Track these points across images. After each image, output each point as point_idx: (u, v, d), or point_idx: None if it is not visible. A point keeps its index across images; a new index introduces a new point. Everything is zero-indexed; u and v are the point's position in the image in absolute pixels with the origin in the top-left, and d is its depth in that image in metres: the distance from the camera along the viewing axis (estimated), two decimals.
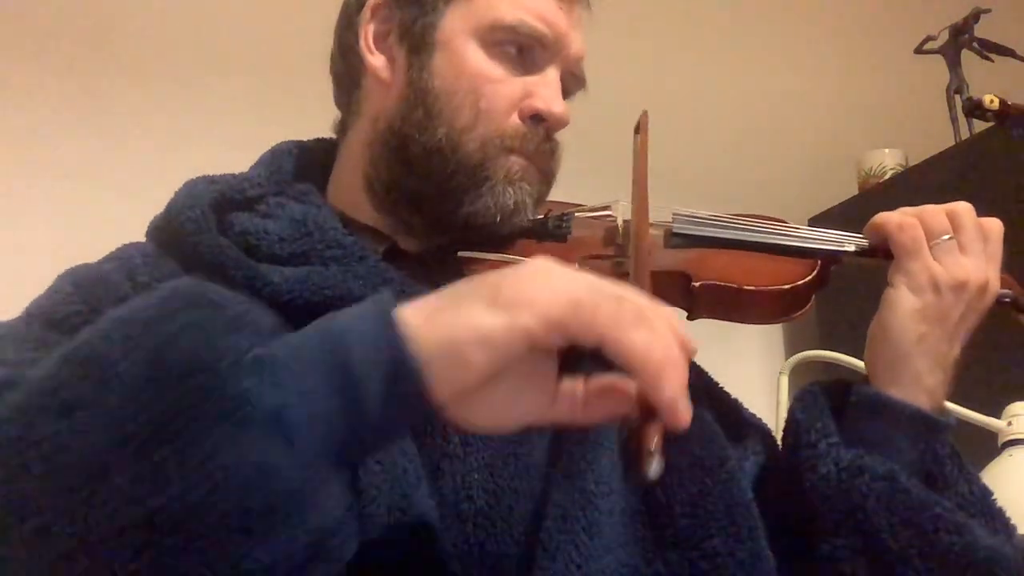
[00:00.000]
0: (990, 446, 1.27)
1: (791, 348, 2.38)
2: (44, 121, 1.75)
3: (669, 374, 0.53)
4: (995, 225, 0.83)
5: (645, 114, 0.89)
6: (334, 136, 0.95)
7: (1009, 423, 1.27)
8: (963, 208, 0.83)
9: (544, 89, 0.84)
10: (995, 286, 0.82)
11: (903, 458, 0.79)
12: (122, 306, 0.54)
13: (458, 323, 0.52)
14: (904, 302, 0.81)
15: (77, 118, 1.78)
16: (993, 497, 0.82)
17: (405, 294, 0.60)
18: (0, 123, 1.71)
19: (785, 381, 1.61)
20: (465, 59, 0.84)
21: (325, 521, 0.50)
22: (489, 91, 0.83)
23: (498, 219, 0.82)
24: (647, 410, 0.54)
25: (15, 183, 1.68)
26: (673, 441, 0.69)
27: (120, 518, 0.47)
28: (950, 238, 0.81)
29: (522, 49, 0.85)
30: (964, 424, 1.28)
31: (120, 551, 0.47)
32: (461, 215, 0.83)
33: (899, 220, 0.82)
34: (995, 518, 0.80)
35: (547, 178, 0.87)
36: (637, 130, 0.89)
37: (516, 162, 0.83)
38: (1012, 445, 1.25)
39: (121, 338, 0.51)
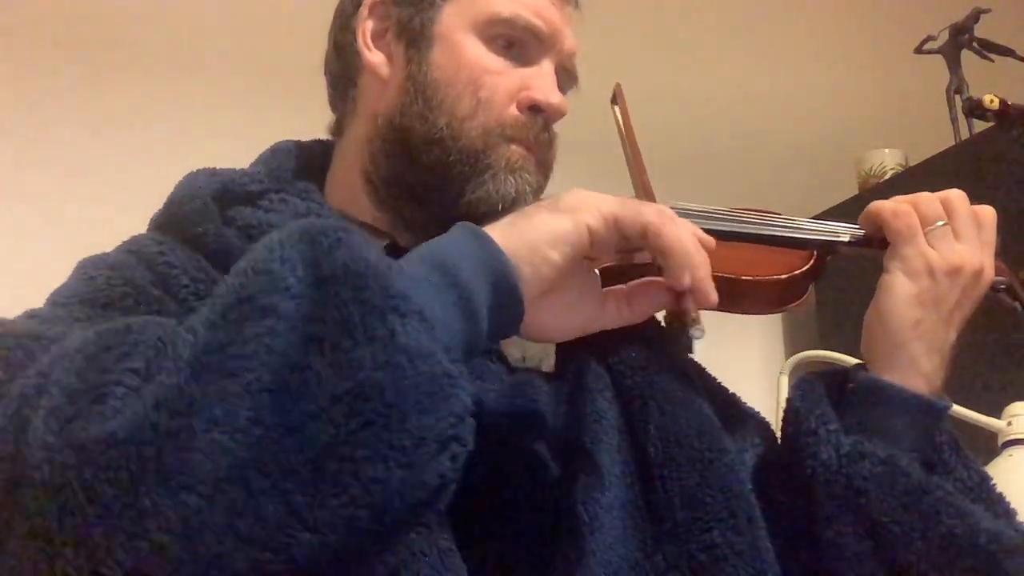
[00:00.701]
0: (990, 446, 1.27)
1: (791, 348, 2.39)
2: (44, 119, 1.75)
3: (698, 259, 0.66)
4: (988, 212, 0.84)
5: (618, 85, 0.92)
6: (330, 138, 0.95)
7: (1009, 423, 1.28)
8: (956, 195, 0.83)
9: (541, 81, 0.85)
10: (989, 272, 0.83)
11: (902, 443, 0.79)
12: (255, 246, 0.58)
13: (534, 230, 0.63)
14: (900, 287, 0.81)
15: (77, 116, 1.78)
16: (992, 482, 0.82)
17: None
18: (1, 123, 1.72)
19: (785, 381, 1.61)
20: (464, 51, 0.85)
21: (464, 402, 0.55)
22: (488, 81, 0.84)
23: (500, 207, 0.82)
24: (680, 297, 0.67)
25: (15, 181, 1.68)
26: (672, 439, 0.74)
27: (325, 398, 0.51)
28: (944, 224, 0.81)
29: (517, 43, 0.86)
30: (964, 424, 1.28)
31: (327, 426, 0.51)
32: (463, 204, 0.83)
33: (893, 207, 0.83)
34: (995, 502, 0.80)
35: (545, 169, 0.88)
36: (614, 100, 0.90)
37: (516, 151, 0.84)
38: (1012, 445, 1.26)
39: (278, 259, 0.55)
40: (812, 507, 0.78)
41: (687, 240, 0.66)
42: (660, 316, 0.79)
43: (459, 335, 0.58)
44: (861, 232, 0.86)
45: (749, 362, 2.31)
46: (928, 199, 0.83)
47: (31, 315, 0.69)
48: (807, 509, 0.79)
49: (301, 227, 0.59)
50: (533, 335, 0.67)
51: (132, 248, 0.78)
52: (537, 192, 0.87)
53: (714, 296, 0.66)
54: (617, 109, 0.89)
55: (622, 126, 0.88)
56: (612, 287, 0.69)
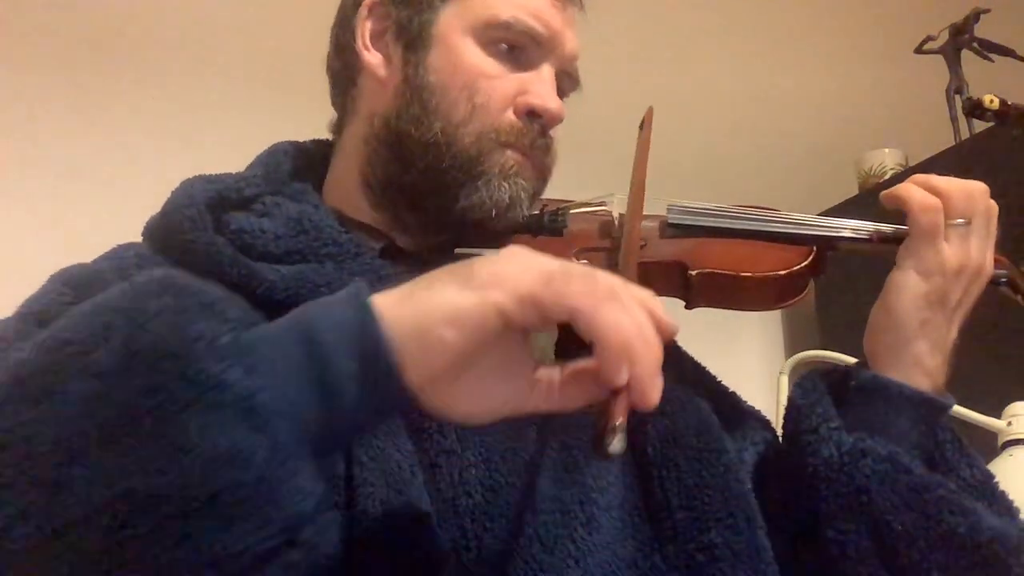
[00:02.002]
0: (990, 446, 1.27)
1: (791, 348, 2.38)
2: (44, 121, 1.75)
3: (638, 350, 0.53)
4: (994, 207, 0.84)
5: (650, 110, 0.89)
6: (330, 136, 0.95)
7: (1009, 423, 1.27)
8: (979, 191, 0.82)
9: (539, 86, 0.85)
10: (989, 268, 0.82)
11: (905, 441, 0.79)
12: (98, 295, 0.54)
13: (430, 304, 0.53)
14: (911, 286, 0.80)
15: (77, 118, 1.78)
16: (995, 480, 0.82)
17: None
18: (0, 123, 1.71)
19: (785, 381, 1.61)
20: (461, 55, 0.84)
21: (298, 509, 0.50)
22: (485, 86, 0.83)
23: (493, 214, 0.82)
24: (616, 389, 0.54)
25: (14, 183, 1.68)
26: (670, 439, 0.68)
27: (91, 502, 0.47)
28: (966, 223, 0.81)
29: (517, 47, 0.85)
30: (964, 424, 1.28)
31: (92, 534, 0.47)
32: (457, 210, 0.83)
33: (923, 201, 0.81)
34: (998, 500, 0.80)
35: (543, 174, 0.88)
36: (642, 126, 0.89)
37: (511, 157, 0.83)
38: (1012, 445, 1.26)
39: (95, 325, 0.51)
40: (813, 505, 0.78)
41: (627, 328, 0.53)
42: None
43: (313, 412, 0.51)
44: (862, 231, 0.86)
45: (749, 362, 2.31)
46: (961, 195, 0.81)
47: None
48: (808, 508, 0.78)
49: (154, 279, 0.54)
50: (447, 417, 0.56)
51: (114, 257, 0.78)
52: (534, 197, 0.87)
53: (654, 398, 0.54)
54: (641, 135, 0.88)
55: (639, 151, 0.87)
56: (548, 368, 0.58)
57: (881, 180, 2.20)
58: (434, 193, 0.84)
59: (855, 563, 0.76)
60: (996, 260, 0.84)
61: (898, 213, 0.83)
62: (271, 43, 1.93)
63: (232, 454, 0.48)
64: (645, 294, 0.56)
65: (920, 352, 0.80)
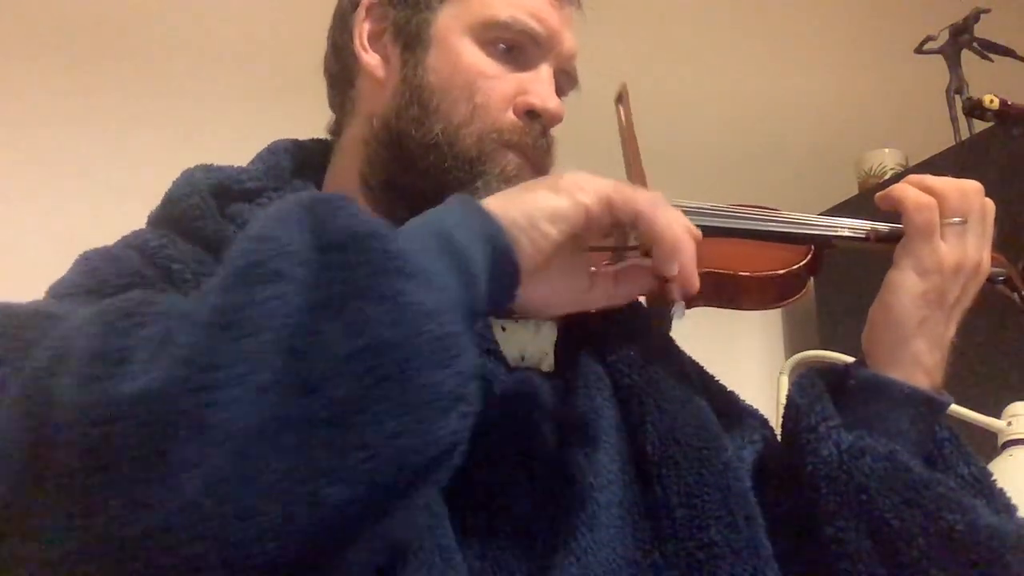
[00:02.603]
0: (990, 446, 1.27)
1: (791, 348, 2.38)
2: (44, 120, 1.75)
3: (686, 245, 0.67)
4: (991, 205, 0.84)
5: (624, 85, 0.91)
6: (328, 138, 0.95)
7: (1009, 423, 1.27)
8: (974, 189, 0.83)
9: (538, 85, 0.85)
10: (986, 265, 0.83)
11: (904, 439, 0.79)
12: (268, 209, 0.60)
13: (533, 205, 0.65)
14: (909, 285, 0.80)
15: (77, 117, 1.78)
16: (993, 478, 0.82)
17: None
18: (0, 123, 1.71)
19: (785, 381, 1.61)
20: (460, 55, 0.84)
21: (473, 362, 0.57)
22: (485, 86, 0.83)
23: None
24: (665, 283, 0.68)
25: (15, 182, 1.68)
26: (670, 438, 0.76)
27: (339, 357, 0.52)
28: (962, 221, 0.81)
29: (515, 47, 0.85)
30: (964, 424, 1.28)
31: (343, 384, 0.52)
32: None
33: (917, 200, 0.81)
34: (995, 497, 0.80)
35: (542, 175, 0.87)
36: (619, 100, 0.90)
37: (512, 160, 0.83)
38: (1012, 445, 1.25)
39: (282, 225, 0.57)
40: (813, 504, 0.78)
41: (677, 228, 0.67)
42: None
43: (459, 299, 0.58)
44: (859, 229, 0.86)
45: (749, 362, 2.31)
46: (955, 193, 0.82)
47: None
48: (808, 506, 0.78)
49: (300, 197, 0.60)
50: (525, 309, 0.69)
51: (132, 243, 0.77)
52: None
53: (697, 284, 0.68)
54: (621, 109, 0.89)
55: (624, 126, 0.88)
56: (600, 268, 0.71)
57: (881, 180, 2.20)
58: (433, 193, 0.83)
59: (854, 561, 0.76)
60: (993, 258, 0.84)
61: (894, 214, 0.83)
62: (272, 42, 1.93)
63: (431, 311, 0.55)
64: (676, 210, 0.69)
65: (919, 350, 0.81)
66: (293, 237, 0.56)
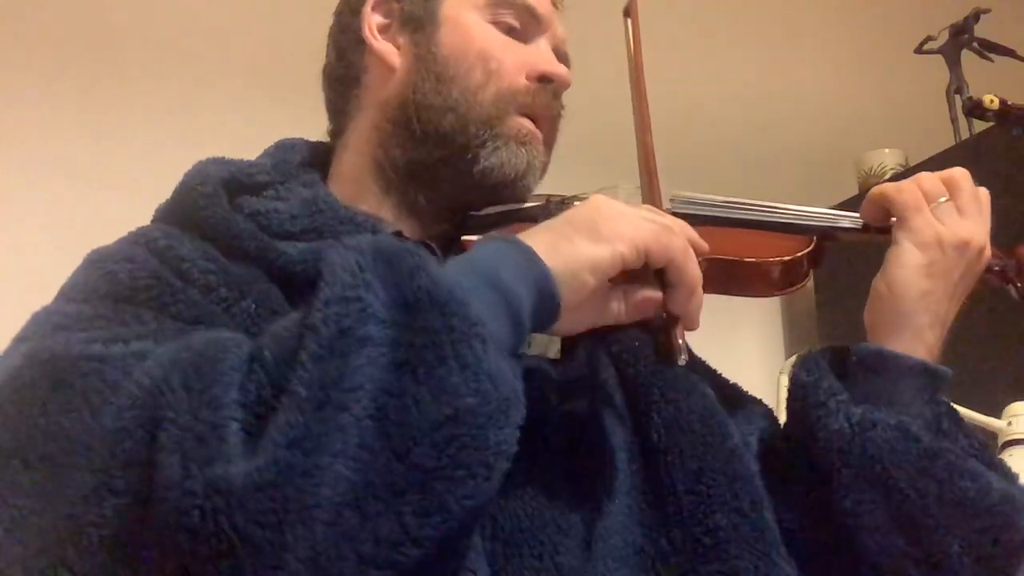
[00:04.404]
0: (990, 446, 1.27)
1: (791, 348, 2.39)
2: (44, 121, 1.75)
3: (699, 293, 0.71)
4: (985, 193, 0.85)
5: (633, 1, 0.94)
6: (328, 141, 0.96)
7: (1009, 423, 1.27)
8: (959, 172, 0.84)
9: (545, 55, 0.89)
10: (988, 249, 0.84)
11: (910, 409, 0.79)
12: (328, 266, 0.61)
13: (576, 256, 0.67)
14: (910, 257, 0.81)
15: (77, 118, 1.78)
16: (989, 447, 0.84)
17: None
18: (0, 123, 1.72)
19: (785, 381, 1.60)
20: (470, 28, 0.88)
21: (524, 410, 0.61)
22: (498, 54, 0.87)
23: (512, 176, 0.85)
24: (671, 315, 0.72)
25: (15, 183, 1.68)
26: (675, 425, 0.79)
27: (425, 424, 0.55)
28: (947, 200, 0.82)
29: (516, 26, 0.89)
30: None
31: (428, 452, 0.55)
32: (476, 172, 0.84)
33: (896, 185, 0.84)
34: (997, 465, 0.81)
35: (549, 146, 0.91)
36: (627, 13, 0.92)
37: (526, 123, 0.86)
38: (1012, 445, 1.26)
39: (362, 284, 0.58)
40: (827, 480, 0.78)
41: (696, 277, 0.71)
42: None
43: (511, 346, 0.63)
44: (860, 220, 0.88)
45: (749, 362, 2.31)
46: (929, 177, 0.84)
47: (52, 319, 0.68)
48: (822, 483, 0.79)
49: (375, 247, 0.62)
50: (556, 330, 0.72)
51: (140, 240, 0.77)
52: (543, 169, 0.89)
53: (698, 326, 0.73)
54: (629, 23, 0.92)
55: (631, 42, 0.91)
56: (613, 287, 0.72)
57: (881, 180, 2.20)
58: (454, 158, 0.85)
59: (871, 531, 0.76)
60: (992, 252, 0.85)
61: (879, 210, 0.85)
62: (272, 44, 1.93)
63: (503, 373, 0.59)
64: (689, 230, 0.73)
65: (921, 324, 0.81)
66: (377, 295, 0.58)
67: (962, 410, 1.26)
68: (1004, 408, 1.30)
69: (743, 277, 0.87)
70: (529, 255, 0.66)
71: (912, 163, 2.20)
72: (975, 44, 2.09)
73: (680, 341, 0.72)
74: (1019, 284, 0.90)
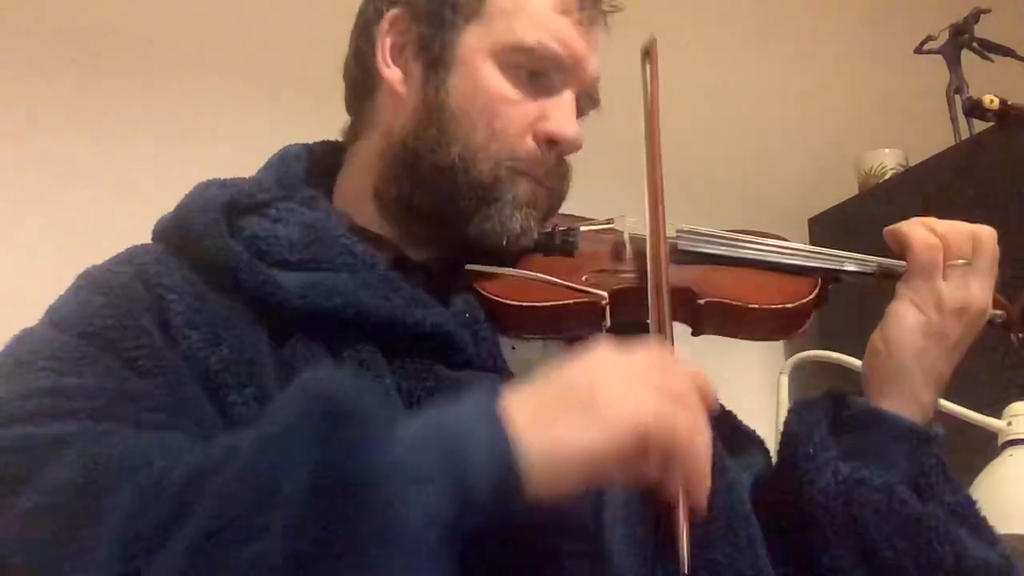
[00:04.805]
0: (990, 446, 1.27)
1: (791, 348, 2.38)
2: (44, 121, 1.75)
3: (706, 477, 0.62)
4: (997, 250, 0.85)
5: (653, 40, 0.90)
6: (340, 139, 0.95)
7: (1009, 423, 1.27)
8: (987, 235, 0.84)
9: (559, 112, 0.84)
10: (990, 308, 0.85)
11: (897, 470, 0.80)
12: (266, 418, 0.57)
13: (561, 442, 0.58)
14: (908, 317, 0.82)
15: (77, 118, 1.77)
16: (978, 506, 0.84)
17: (414, 303, 0.74)
18: (0, 123, 1.71)
19: (785, 381, 1.61)
20: (482, 79, 0.83)
21: None
22: (504, 112, 0.83)
23: (504, 242, 0.83)
24: (672, 499, 0.63)
25: (15, 183, 1.68)
26: None
27: None
28: (966, 263, 0.82)
29: (539, 71, 0.85)
30: (964, 424, 1.28)
31: None
32: (468, 235, 0.83)
33: (924, 239, 0.83)
34: (980, 526, 0.82)
35: (557, 201, 0.89)
36: (646, 56, 0.89)
37: (525, 187, 0.84)
38: (1012, 445, 1.25)
39: (282, 457, 0.54)
40: (809, 532, 0.79)
41: (704, 462, 0.62)
42: None
43: (449, 529, 0.56)
44: (866, 265, 0.88)
45: (749, 362, 2.30)
46: (961, 236, 0.83)
47: (22, 349, 0.70)
48: (804, 533, 0.80)
49: (323, 408, 0.56)
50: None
51: (134, 260, 0.77)
52: (543, 221, 0.87)
53: (704, 504, 0.63)
54: (648, 67, 0.89)
55: (648, 89, 0.87)
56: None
57: (881, 180, 2.20)
58: (445, 216, 0.84)
59: None
60: (994, 300, 0.86)
61: (900, 250, 0.85)
62: (274, 43, 1.93)
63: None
64: (699, 379, 0.64)
65: (915, 383, 0.82)
66: (290, 474, 0.53)
67: (962, 410, 1.26)
68: (1004, 408, 1.30)
69: (747, 322, 0.87)
70: (502, 441, 0.57)
71: (912, 163, 2.20)
72: (975, 44, 2.09)
73: (684, 549, 0.63)
74: (1021, 335, 0.90)
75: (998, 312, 0.88)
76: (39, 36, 1.79)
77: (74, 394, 0.64)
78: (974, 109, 1.74)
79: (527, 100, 0.84)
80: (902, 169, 2.20)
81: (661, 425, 0.59)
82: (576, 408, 0.59)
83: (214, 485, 0.54)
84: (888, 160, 2.23)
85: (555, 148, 0.85)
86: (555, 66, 0.85)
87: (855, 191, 2.26)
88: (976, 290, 0.82)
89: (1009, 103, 1.68)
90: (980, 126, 1.95)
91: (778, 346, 2.48)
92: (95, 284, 0.75)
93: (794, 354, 1.64)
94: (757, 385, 1.82)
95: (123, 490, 0.56)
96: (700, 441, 0.61)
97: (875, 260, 0.87)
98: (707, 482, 0.62)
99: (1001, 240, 0.86)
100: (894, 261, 0.86)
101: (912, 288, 0.83)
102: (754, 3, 2.47)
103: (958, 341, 0.83)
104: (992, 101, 1.66)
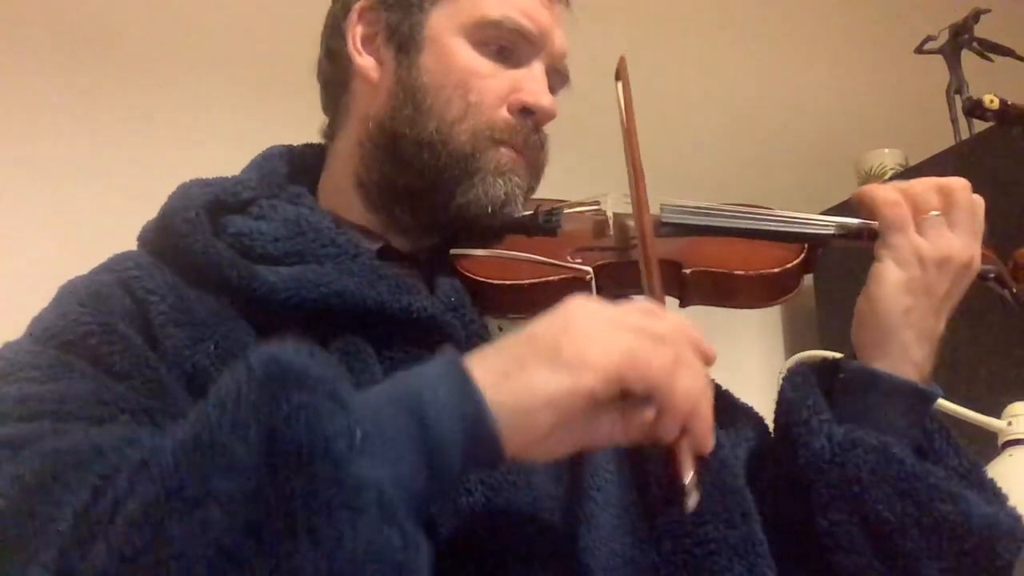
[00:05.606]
0: (990, 446, 1.27)
1: (791, 348, 2.38)
2: (44, 121, 1.75)
3: (702, 410, 0.59)
4: (980, 201, 0.84)
5: (622, 59, 0.91)
6: (322, 141, 0.95)
7: (1009, 423, 1.27)
8: (959, 184, 0.83)
9: (531, 83, 0.86)
10: (977, 261, 0.83)
11: (895, 430, 0.79)
12: (217, 385, 0.55)
13: (528, 389, 0.56)
14: (890, 275, 0.82)
15: (77, 118, 1.78)
16: (983, 467, 0.83)
17: (400, 289, 0.73)
18: (0, 123, 1.71)
19: None
20: (453, 55, 0.85)
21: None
22: (478, 85, 0.84)
23: (489, 210, 0.83)
24: (675, 445, 0.60)
25: (15, 183, 1.68)
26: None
27: None
28: (938, 215, 0.82)
29: (507, 46, 0.86)
30: (964, 424, 1.28)
31: None
32: (453, 208, 0.84)
33: (884, 196, 0.83)
34: (987, 487, 0.81)
35: (536, 171, 0.89)
36: (617, 76, 0.90)
37: (505, 154, 0.84)
38: (1012, 445, 1.25)
39: (230, 425, 0.52)
40: (807, 497, 0.78)
41: (694, 394, 0.58)
42: None
43: (422, 493, 0.55)
44: (850, 224, 0.87)
45: (749, 362, 2.31)
46: (923, 188, 0.83)
47: (3, 360, 0.69)
48: (802, 499, 0.79)
49: (267, 372, 0.54)
50: (518, 459, 0.59)
51: (114, 268, 0.78)
52: (527, 193, 0.87)
53: (712, 444, 0.60)
54: (620, 85, 0.90)
55: (622, 103, 0.89)
56: (608, 408, 0.59)
57: (881, 180, 2.20)
58: (430, 192, 0.84)
59: (848, 553, 0.76)
60: (984, 255, 0.85)
61: (869, 213, 0.85)
62: (270, 44, 1.93)
63: (376, 549, 0.51)
64: (690, 331, 0.61)
65: (906, 341, 0.81)
66: (239, 440, 0.51)
67: (962, 410, 1.26)
68: (1004, 408, 1.30)
69: (734, 289, 0.87)
70: (465, 389, 0.55)
71: (912, 163, 2.20)
72: (975, 44, 2.09)
73: (686, 479, 0.59)
74: (1014, 290, 0.90)
75: (989, 267, 0.88)
76: (39, 37, 1.79)
77: (44, 398, 0.64)
78: (974, 109, 1.74)
79: (499, 73, 0.85)
80: (902, 169, 2.20)
81: (635, 363, 0.56)
82: (543, 357, 0.57)
83: (157, 459, 0.53)
84: (888, 160, 2.23)
85: (531, 118, 0.86)
86: (523, 39, 0.86)
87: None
88: (955, 241, 0.81)
89: (1009, 103, 1.68)
90: (980, 126, 1.95)
91: (778, 346, 2.48)
92: (74, 295, 0.75)
93: (794, 354, 1.64)
94: (757, 385, 1.81)
95: (78, 481, 0.56)
96: (689, 375, 0.58)
97: (858, 222, 0.87)
98: (707, 420, 0.59)
99: (1002, 240, 0.86)
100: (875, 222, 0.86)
101: (889, 246, 0.82)
102: (754, 3, 2.47)
103: (946, 295, 0.82)
104: (992, 101, 1.66)
